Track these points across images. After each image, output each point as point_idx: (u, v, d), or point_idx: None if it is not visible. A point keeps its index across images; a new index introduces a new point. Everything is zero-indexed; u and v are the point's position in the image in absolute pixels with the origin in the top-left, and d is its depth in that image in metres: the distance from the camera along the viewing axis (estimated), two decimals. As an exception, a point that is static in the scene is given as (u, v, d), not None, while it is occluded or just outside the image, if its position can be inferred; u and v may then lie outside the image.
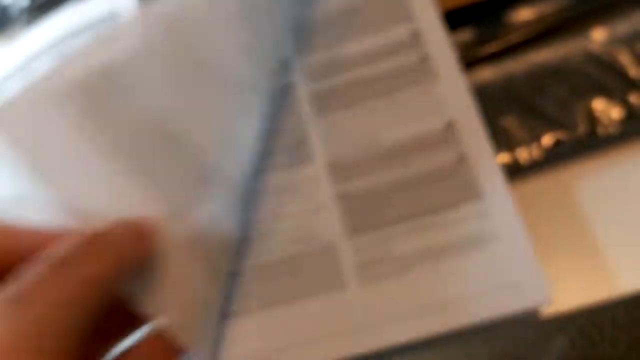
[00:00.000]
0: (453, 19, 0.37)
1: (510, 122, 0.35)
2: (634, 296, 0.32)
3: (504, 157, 0.34)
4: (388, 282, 0.30)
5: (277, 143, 0.34)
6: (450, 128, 0.32)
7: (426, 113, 0.33)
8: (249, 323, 0.31)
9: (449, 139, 0.32)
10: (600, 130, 0.34)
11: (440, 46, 0.34)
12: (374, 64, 0.35)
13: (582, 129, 0.34)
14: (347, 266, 0.31)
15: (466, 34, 0.37)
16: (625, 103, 0.34)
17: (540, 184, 0.34)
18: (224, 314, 0.32)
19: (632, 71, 0.35)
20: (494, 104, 0.35)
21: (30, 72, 0.40)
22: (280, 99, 0.35)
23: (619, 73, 0.35)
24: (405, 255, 0.30)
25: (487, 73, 0.36)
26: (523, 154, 0.34)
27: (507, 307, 0.28)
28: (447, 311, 0.29)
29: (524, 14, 0.37)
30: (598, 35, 0.36)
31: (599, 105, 0.34)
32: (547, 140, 0.34)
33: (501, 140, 0.34)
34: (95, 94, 0.31)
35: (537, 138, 0.34)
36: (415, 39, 0.34)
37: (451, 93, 0.33)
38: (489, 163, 0.31)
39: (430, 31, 0.34)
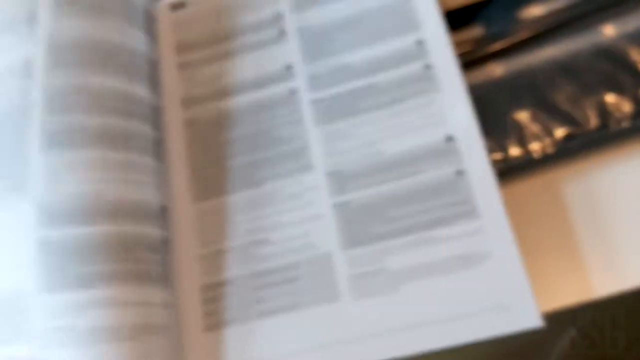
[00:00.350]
0: (465, 15, 0.37)
1: (522, 117, 0.35)
2: (634, 296, 0.32)
3: (517, 151, 0.34)
4: (380, 296, 0.30)
5: (277, 150, 0.34)
6: (450, 142, 0.32)
7: (427, 125, 0.33)
8: (244, 331, 0.31)
9: (448, 153, 0.32)
10: (611, 125, 0.34)
11: (444, 57, 0.34)
12: (377, 74, 0.35)
13: (593, 123, 0.34)
14: (342, 278, 0.31)
15: (478, 30, 0.38)
16: (635, 98, 0.34)
17: (553, 177, 0.35)
18: (219, 323, 0.32)
19: (643, 66, 0.35)
20: (506, 99, 0.35)
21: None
22: (283, 106, 0.35)
23: (630, 68, 0.35)
24: (399, 270, 0.30)
25: (500, 69, 0.36)
26: (535, 148, 0.34)
27: (496, 328, 0.28)
28: (437, 330, 0.29)
29: (535, 10, 0.37)
30: (608, 30, 0.36)
31: (610, 100, 0.34)
32: (559, 134, 0.34)
33: (513, 134, 0.35)
34: None
35: (549, 132, 0.34)
36: (420, 48, 0.34)
37: (453, 106, 0.33)
38: (486, 180, 0.31)
39: (435, 41, 0.34)
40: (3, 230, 0.30)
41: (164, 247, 0.33)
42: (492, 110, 0.35)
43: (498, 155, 0.34)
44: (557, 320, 0.32)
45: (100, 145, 0.32)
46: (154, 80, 0.37)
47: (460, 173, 0.31)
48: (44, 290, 0.28)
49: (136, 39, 0.36)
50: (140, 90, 0.35)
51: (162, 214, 0.33)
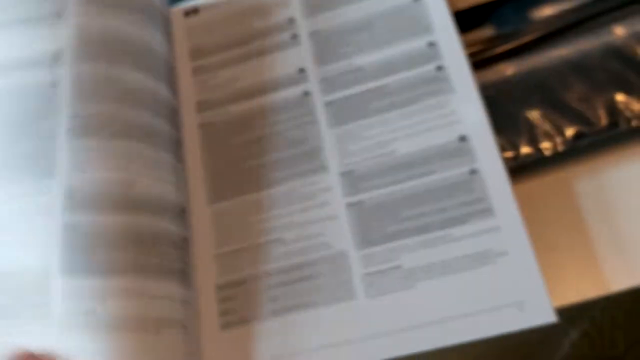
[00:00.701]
0: (476, 16, 0.38)
1: (533, 116, 0.35)
2: (634, 297, 0.32)
3: (528, 149, 0.35)
4: (395, 294, 0.30)
5: (291, 152, 0.35)
6: (463, 141, 0.32)
7: (440, 126, 0.33)
8: (259, 330, 0.31)
9: (462, 152, 0.32)
10: (621, 123, 0.34)
11: (456, 58, 0.34)
12: (390, 76, 0.35)
13: (603, 122, 0.34)
14: (357, 276, 0.31)
15: (489, 30, 0.38)
16: (646, 97, 0.34)
17: (564, 175, 0.35)
18: (236, 321, 0.32)
19: (653, 65, 0.35)
20: (518, 98, 0.36)
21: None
22: (296, 108, 0.36)
23: (640, 68, 0.35)
24: (414, 268, 0.31)
25: (511, 68, 0.37)
26: (546, 146, 0.35)
27: (510, 325, 0.29)
28: (451, 326, 0.29)
29: (546, 11, 0.38)
30: (619, 31, 0.36)
31: (620, 99, 0.35)
32: (570, 132, 0.35)
33: (525, 133, 0.35)
34: None
35: (560, 130, 0.35)
36: (432, 50, 0.35)
37: (466, 106, 0.33)
38: (500, 178, 0.31)
39: (447, 43, 0.35)
40: (36, 214, 0.30)
41: (184, 244, 0.33)
42: (504, 110, 0.35)
43: (510, 154, 0.35)
44: (568, 316, 0.32)
45: (128, 137, 0.33)
46: (172, 82, 0.37)
47: (473, 172, 0.32)
48: (66, 273, 0.29)
49: (157, 40, 0.37)
50: (163, 90, 0.36)
51: (182, 214, 0.34)
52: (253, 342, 0.31)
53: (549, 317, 0.28)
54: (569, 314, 0.31)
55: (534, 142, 0.35)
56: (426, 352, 0.29)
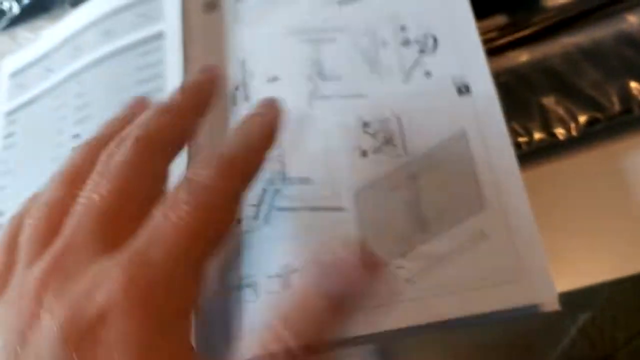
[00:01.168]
0: (489, 3, 0.38)
1: (547, 102, 0.36)
2: (634, 296, 0.32)
3: (542, 135, 0.35)
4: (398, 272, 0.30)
5: None
6: (464, 137, 0.31)
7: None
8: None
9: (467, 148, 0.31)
10: (635, 109, 0.35)
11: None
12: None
13: (617, 108, 0.35)
14: None
15: (503, 18, 0.38)
16: (659, 83, 0.35)
17: (578, 161, 0.35)
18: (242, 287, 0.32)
19: (668, 53, 0.36)
20: (531, 85, 0.36)
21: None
22: None
23: (654, 55, 0.36)
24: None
25: (525, 55, 0.37)
26: (560, 131, 0.35)
27: (510, 301, 0.28)
28: (453, 300, 0.28)
29: (559, -2, 0.38)
30: (632, 18, 0.37)
31: (634, 85, 0.35)
32: (584, 118, 0.35)
33: (538, 118, 0.35)
34: None
35: (573, 116, 0.35)
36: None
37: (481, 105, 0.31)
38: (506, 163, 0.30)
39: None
40: None
41: None
42: (518, 96, 0.36)
43: (523, 139, 0.35)
44: (574, 302, 0.32)
45: None
46: None
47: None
48: None
49: None
50: None
51: None
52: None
53: (550, 296, 0.27)
54: (577, 300, 0.31)
55: (547, 127, 0.35)
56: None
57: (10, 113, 0.42)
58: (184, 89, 0.29)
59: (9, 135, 0.42)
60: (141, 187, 0.25)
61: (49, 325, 0.21)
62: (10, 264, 0.25)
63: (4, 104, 0.43)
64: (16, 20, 0.44)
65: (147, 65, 0.38)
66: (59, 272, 0.22)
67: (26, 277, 0.23)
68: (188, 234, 0.22)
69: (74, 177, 0.26)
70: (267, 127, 0.28)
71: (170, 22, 0.38)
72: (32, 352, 0.21)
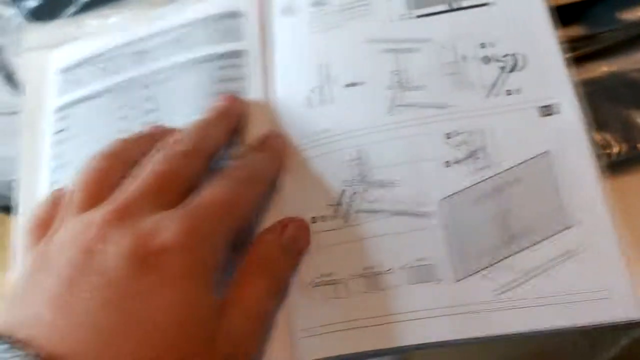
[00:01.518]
0: (566, 14, 0.38)
1: (628, 114, 0.36)
2: None
3: (624, 147, 0.35)
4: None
5: None
6: (547, 157, 0.31)
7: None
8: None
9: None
10: None
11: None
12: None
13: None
14: None
15: (577, 29, 0.38)
16: None
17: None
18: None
19: None
20: (613, 97, 0.36)
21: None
22: None
23: None
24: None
25: (604, 67, 0.37)
26: (642, 146, 0.35)
27: (599, 317, 0.28)
28: (541, 312, 0.29)
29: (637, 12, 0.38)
30: None
31: None
32: (666, 132, 0.35)
33: (620, 130, 0.35)
34: None
35: (654, 130, 0.35)
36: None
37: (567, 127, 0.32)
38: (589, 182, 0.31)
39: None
40: None
41: None
42: (600, 107, 0.36)
43: (606, 150, 0.35)
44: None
45: None
46: None
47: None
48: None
49: None
50: None
51: None
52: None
53: (635, 312, 0.28)
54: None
55: (629, 139, 0.35)
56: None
57: (62, 108, 0.41)
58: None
59: (60, 131, 0.40)
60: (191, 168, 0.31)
61: (114, 249, 0.25)
62: (55, 214, 0.30)
63: (54, 99, 0.41)
64: (85, 8, 0.43)
65: (228, 79, 0.38)
66: (123, 215, 0.27)
67: (83, 220, 0.27)
68: (224, 205, 0.29)
69: (120, 152, 0.31)
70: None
71: (251, 39, 0.38)
72: (96, 266, 0.25)
